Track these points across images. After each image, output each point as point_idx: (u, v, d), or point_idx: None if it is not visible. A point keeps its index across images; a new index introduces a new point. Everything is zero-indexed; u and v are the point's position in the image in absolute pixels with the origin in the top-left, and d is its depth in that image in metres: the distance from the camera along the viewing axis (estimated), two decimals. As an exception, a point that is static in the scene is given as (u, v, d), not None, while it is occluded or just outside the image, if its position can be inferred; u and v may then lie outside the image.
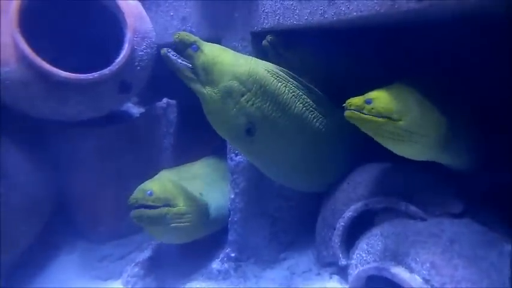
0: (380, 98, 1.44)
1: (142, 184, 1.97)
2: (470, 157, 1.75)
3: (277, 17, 1.87)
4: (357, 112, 1.43)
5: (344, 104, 1.48)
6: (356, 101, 1.45)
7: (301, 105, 1.85)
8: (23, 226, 2.10)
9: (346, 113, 1.46)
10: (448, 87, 1.67)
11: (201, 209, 2.04)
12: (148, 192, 1.88)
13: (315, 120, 1.90)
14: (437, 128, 1.49)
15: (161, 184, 1.97)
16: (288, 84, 1.81)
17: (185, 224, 1.96)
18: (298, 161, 1.93)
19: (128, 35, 2.06)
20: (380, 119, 1.41)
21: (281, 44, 1.92)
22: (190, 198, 2.01)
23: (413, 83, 1.54)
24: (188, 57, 1.72)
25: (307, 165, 1.97)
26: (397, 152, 1.53)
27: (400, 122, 1.41)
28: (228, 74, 1.72)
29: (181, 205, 1.94)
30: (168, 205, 1.91)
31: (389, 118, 1.41)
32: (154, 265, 2.21)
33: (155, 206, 1.88)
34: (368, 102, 1.43)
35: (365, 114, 1.42)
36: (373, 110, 1.42)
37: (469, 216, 1.61)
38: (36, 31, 1.91)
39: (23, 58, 1.86)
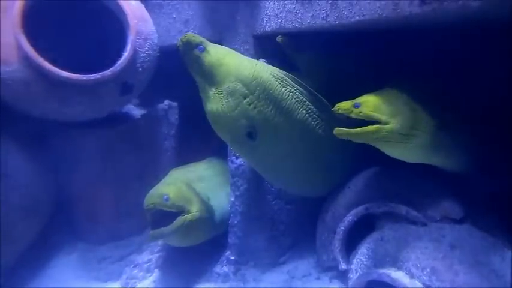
0: (368, 102, 1.48)
1: (158, 188, 1.98)
2: (463, 159, 1.75)
3: (279, 20, 1.87)
4: (343, 129, 1.47)
5: (332, 109, 1.51)
6: (344, 105, 1.49)
7: (304, 111, 1.84)
8: (23, 226, 2.09)
9: (335, 131, 1.50)
10: (439, 90, 1.69)
11: (209, 214, 2.05)
12: (165, 197, 1.89)
13: (317, 127, 1.89)
14: (427, 128, 1.51)
15: (177, 189, 1.98)
16: (293, 89, 1.80)
17: (196, 228, 1.97)
18: (299, 167, 1.92)
19: (131, 37, 2.07)
20: (369, 128, 1.45)
21: (290, 46, 1.92)
22: (202, 203, 2.02)
23: (403, 86, 1.56)
24: (194, 58, 1.72)
25: (308, 171, 1.96)
26: (389, 153, 1.56)
27: (389, 126, 1.45)
28: (232, 76, 1.72)
29: (194, 210, 1.95)
30: (183, 211, 1.92)
31: (377, 122, 1.45)
32: (154, 267, 2.21)
33: (170, 211, 1.89)
34: (356, 106, 1.47)
35: (353, 117, 1.47)
36: (361, 114, 1.46)
37: (470, 222, 1.60)
38: (38, 31, 1.91)
39: (24, 58, 1.86)
